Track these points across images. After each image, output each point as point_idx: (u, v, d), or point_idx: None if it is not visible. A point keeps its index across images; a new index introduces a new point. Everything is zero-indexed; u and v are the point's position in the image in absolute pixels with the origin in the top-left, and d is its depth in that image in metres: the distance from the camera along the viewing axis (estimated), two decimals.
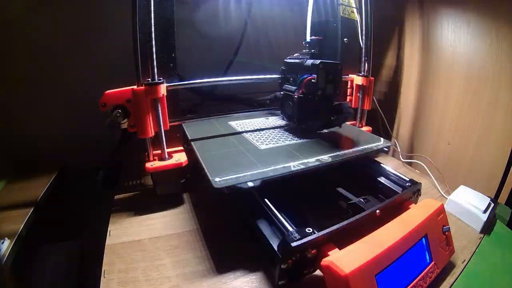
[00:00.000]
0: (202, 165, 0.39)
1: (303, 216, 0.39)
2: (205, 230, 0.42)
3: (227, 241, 0.40)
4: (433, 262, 0.34)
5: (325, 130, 0.52)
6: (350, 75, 0.65)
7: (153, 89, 0.43)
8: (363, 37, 0.62)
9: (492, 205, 0.47)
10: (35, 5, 0.61)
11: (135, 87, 0.43)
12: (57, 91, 0.67)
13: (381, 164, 0.49)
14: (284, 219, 0.34)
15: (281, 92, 0.55)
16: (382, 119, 0.75)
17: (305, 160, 0.41)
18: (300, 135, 0.51)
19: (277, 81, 0.56)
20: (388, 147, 0.53)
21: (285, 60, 0.55)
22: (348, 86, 0.66)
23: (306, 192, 0.44)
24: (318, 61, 0.45)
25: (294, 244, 0.29)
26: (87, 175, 0.65)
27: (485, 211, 0.45)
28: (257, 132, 0.52)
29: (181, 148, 0.51)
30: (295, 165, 0.39)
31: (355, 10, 0.64)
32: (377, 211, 0.36)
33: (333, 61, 0.47)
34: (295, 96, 0.49)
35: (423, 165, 0.62)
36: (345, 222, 0.33)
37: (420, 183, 0.43)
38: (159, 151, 0.47)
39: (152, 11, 0.41)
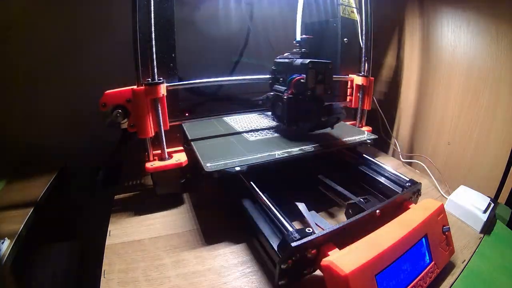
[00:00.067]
0: (196, 153, 0.43)
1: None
2: (205, 230, 0.42)
3: (227, 241, 0.40)
4: (433, 262, 0.34)
5: (317, 132, 0.51)
6: (350, 75, 0.65)
7: (153, 89, 0.43)
8: (363, 37, 0.62)
9: (492, 205, 0.47)
10: (35, 6, 0.62)
11: (135, 87, 0.43)
12: (57, 91, 0.67)
13: (381, 164, 0.49)
14: (284, 218, 0.34)
15: (271, 93, 0.54)
16: (382, 119, 0.75)
17: (289, 150, 0.45)
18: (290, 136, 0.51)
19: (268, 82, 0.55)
20: (372, 139, 0.53)
21: (275, 59, 0.54)
22: (348, 86, 0.66)
23: (302, 191, 0.44)
24: (307, 61, 0.44)
25: (294, 244, 0.29)
26: (87, 175, 0.65)
27: (485, 211, 0.45)
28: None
29: (181, 148, 0.51)
30: (279, 154, 0.44)
31: (355, 10, 0.64)
32: (377, 211, 0.36)
33: (324, 61, 0.46)
34: (285, 97, 0.48)
35: (423, 165, 0.62)
36: (345, 222, 0.33)
37: (420, 183, 0.43)
38: (159, 151, 0.47)
39: (152, 11, 0.41)
